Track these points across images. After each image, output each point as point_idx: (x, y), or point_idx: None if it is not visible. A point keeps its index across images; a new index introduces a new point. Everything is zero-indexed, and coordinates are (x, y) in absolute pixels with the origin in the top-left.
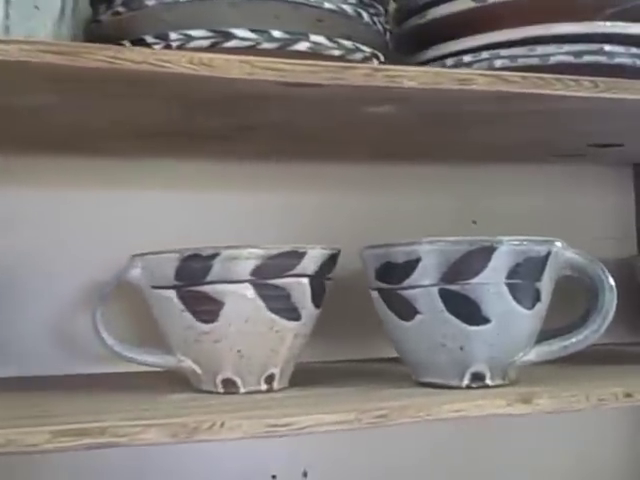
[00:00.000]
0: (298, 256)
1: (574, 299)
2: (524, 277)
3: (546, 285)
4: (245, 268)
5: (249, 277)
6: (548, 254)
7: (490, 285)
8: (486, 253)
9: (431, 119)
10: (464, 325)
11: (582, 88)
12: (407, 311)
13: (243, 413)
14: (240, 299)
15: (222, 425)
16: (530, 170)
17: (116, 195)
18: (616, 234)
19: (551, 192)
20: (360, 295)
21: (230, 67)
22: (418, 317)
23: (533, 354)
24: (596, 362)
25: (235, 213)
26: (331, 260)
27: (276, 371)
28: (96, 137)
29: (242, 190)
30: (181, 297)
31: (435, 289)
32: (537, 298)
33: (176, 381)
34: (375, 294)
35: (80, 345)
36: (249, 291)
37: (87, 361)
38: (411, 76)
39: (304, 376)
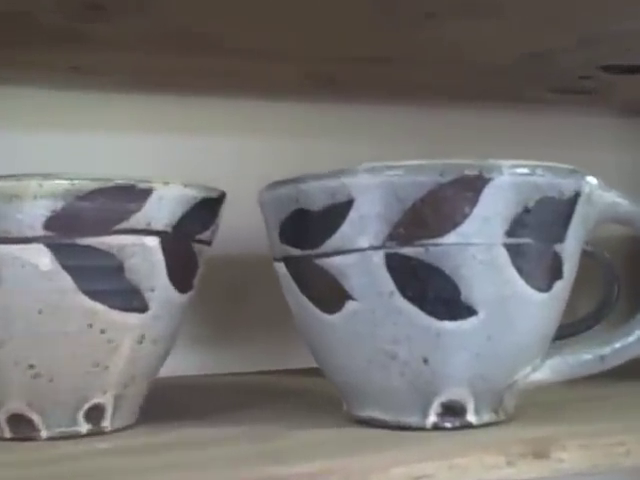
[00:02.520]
0: (137, 196)
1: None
2: (536, 234)
3: (571, 249)
4: (35, 215)
5: (43, 232)
6: (577, 195)
7: (477, 247)
8: (471, 189)
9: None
10: (430, 319)
11: None
12: (331, 295)
13: None
14: (28, 272)
15: None
16: (518, 116)
17: None
18: None
19: (545, 146)
20: (264, 272)
21: None
22: (350, 305)
23: (547, 370)
24: None
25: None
26: (206, 209)
27: (105, 401)
28: None
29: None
30: None
31: (379, 255)
32: (557, 271)
33: None
34: (281, 267)
35: None
36: (44, 258)
37: None
38: None
39: (167, 403)
